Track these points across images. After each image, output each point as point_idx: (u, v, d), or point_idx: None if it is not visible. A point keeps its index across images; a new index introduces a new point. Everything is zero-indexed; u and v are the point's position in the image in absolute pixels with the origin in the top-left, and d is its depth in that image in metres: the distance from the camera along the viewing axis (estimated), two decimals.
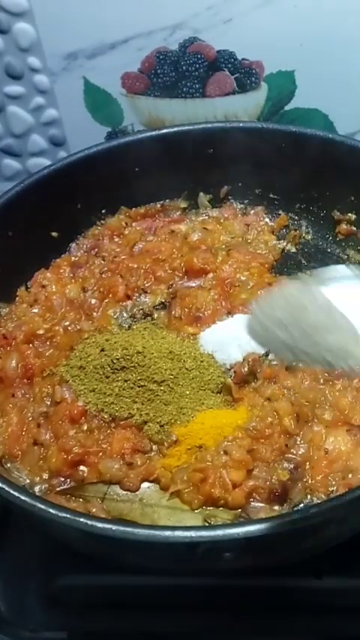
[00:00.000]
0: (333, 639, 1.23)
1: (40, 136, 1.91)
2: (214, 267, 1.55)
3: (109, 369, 1.30)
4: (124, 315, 1.50)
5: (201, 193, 1.71)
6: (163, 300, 1.52)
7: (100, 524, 0.97)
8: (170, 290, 1.53)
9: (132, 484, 1.22)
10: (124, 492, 1.22)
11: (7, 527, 1.32)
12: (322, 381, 1.32)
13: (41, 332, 1.42)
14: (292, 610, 1.23)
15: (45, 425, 1.28)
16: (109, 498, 1.21)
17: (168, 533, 0.96)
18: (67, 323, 1.46)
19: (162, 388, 1.29)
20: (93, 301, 1.51)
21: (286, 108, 1.81)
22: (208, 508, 1.19)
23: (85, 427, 1.27)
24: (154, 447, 1.26)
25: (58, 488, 1.22)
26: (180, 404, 1.29)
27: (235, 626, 1.22)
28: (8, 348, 1.39)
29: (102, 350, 1.33)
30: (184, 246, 1.61)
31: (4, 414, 1.31)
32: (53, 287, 1.52)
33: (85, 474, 1.23)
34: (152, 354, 1.32)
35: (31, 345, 1.40)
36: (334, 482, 1.19)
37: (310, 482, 1.20)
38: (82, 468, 1.24)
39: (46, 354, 1.39)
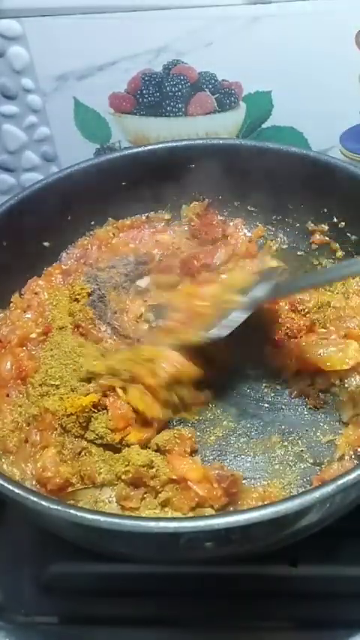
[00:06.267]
0: (307, 624, 1.23)
1: (33, 153, 1.91)
2: None
3: None
4: None
5: (184, 206, 1.70)
6: None
7: (89, 516, 0.96)
8: None
9: None
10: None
11: (2, 518, 1.33)
12: None
13: (34, 336, 1.42)
14: (268, 596, 1.25)
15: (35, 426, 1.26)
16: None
17: (153, 523, 0.95)
18: None
19: None
20: None
21: (264, 126, 1.81)
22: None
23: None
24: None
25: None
26: None
27: (215, 611, 1.23)
28: (3, 351, 1.39)
29: None
30: None
31: None
32: (45, 294, 1.51)
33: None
34: None
35: (24, 348, 1.40)
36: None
37: None
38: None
39: (39, 356, 1.37)
